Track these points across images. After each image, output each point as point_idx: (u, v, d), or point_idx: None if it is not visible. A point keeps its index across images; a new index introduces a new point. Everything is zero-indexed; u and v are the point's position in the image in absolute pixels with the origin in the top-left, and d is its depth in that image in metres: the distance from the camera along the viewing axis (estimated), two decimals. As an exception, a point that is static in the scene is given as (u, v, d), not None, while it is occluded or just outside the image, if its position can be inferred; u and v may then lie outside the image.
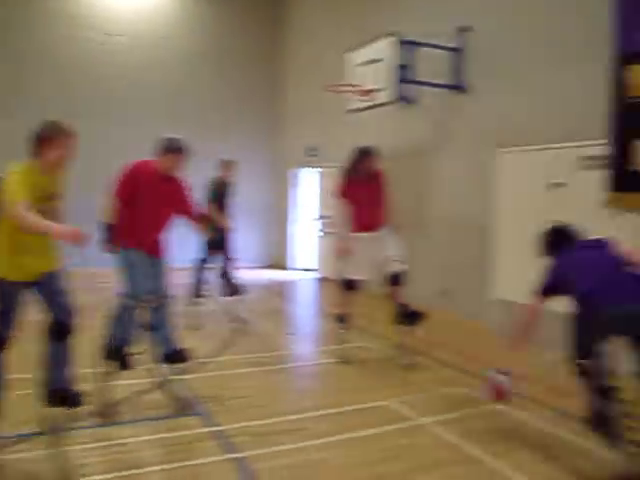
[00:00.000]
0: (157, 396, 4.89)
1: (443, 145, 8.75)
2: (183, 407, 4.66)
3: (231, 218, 8.12)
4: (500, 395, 4.28)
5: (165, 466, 3.65)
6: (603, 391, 3.50)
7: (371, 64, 8.71)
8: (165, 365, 4.94)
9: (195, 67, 13.95)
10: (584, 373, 3.59)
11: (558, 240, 4.16)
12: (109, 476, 3.48)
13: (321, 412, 4.66)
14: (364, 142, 10.59)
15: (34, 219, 3.59)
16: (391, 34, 8.27)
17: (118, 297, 4.75)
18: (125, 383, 4.87)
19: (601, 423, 3.51)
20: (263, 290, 10.83)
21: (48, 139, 3.86)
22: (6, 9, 12.25)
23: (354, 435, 4.22)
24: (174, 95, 13.64)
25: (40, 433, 3.96)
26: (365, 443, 4.10)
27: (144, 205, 4.70)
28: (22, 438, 3.90)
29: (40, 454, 3.71)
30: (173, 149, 4.83)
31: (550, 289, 3.98)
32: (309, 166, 13.27)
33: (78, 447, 3.83)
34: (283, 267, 14.13)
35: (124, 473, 3.53)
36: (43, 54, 12.55)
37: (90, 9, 12.99)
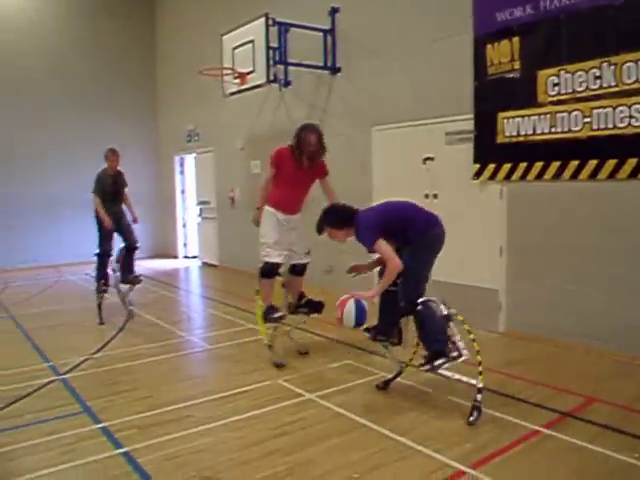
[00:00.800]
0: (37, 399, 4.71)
1: (320, 125, 8.85)
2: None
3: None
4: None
5: (52, 469, 3.55)
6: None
7: (245, 46, 8.66)
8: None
9: (68, 59, 13.24)
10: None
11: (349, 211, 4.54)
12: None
13: (207, 398, 4.67)
14: (242, 125, 10.68)
15: None
16: (264, 15, 8.24)
17: None
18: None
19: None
20: (150, 280, 10.59)
21: None
22: None
23: (241, 417, 4.26)
24: (41, 84, 12.89)
25: None
26: (252, 423, 4.16)
27: None
28: None
29: None
30: None
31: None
32: (191, 152, 13.08)
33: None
34: (174, 256, 13.90)
35: None
36: None
37: None
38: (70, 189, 12.34)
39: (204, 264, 12.67)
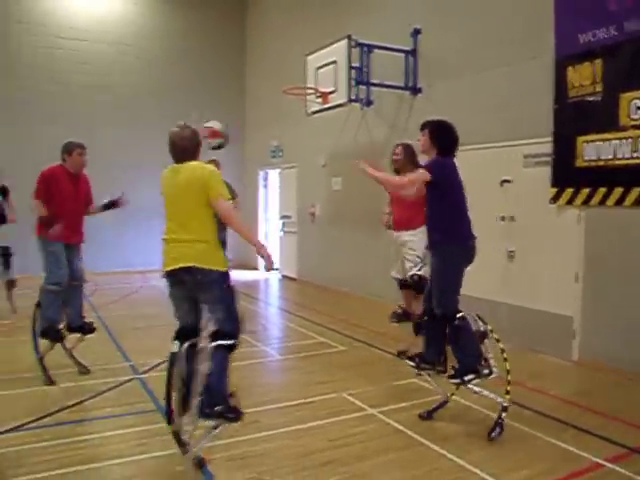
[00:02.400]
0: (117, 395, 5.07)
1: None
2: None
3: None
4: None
5: (127, 459, 3.88)
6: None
7: (328, 66, 8.92)
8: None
9: (160, 71, 14.12)
10: None
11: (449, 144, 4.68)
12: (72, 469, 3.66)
13: (273, 406, 4.88)
14: (325, 143, 10.94)
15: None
16: (347, 37, 8.47)
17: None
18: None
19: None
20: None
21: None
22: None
23: (303, 426, 4.43)
24: (138, 100, 13.77)
25: None
26: (313, 433, 4.31)
27: None
28: None
29: None
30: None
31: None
32: (275, 167, 13.49)
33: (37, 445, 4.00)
34: (254, 267, 14.30)
35: (80, 468, 3.71)
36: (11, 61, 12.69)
37: (48, 17, 13.12)
38: (159, 200, 13.02)
39: (284, 277, 12.97)
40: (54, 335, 5.52)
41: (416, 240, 5.81)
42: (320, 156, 11.15)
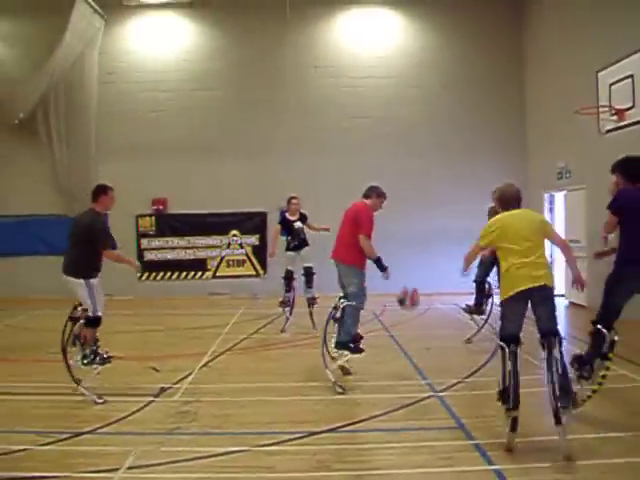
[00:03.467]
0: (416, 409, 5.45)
1: None
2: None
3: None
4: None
5: (426, 470, 4.17)
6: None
7: (623, 81, 8.43)
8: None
9: (434, 98, 14.76)
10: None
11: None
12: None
13: (576, 436, 4.68)
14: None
15: None
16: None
17: None
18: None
19: None
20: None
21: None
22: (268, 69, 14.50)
23: (613, 461, 4.22)
24: (415, 128, 14.56)
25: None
26: (627, 470, 4.09)
27: None
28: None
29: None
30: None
31: None
32: (561, 189, 12.98)
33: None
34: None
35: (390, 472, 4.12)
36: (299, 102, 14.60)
37: (336, 59, 14.74)
38: (442, 224, 13.57)
39: (571, 304, 12.32)
40: (357, 350, 6.27)
41: None
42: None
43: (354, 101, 14.65)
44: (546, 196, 13.78)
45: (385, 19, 14.94)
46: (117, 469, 4.16)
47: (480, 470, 4.12)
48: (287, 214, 9.66)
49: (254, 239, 14.93)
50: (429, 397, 5.85)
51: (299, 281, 9.70)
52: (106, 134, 14.16)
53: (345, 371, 6.65)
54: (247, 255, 14.93)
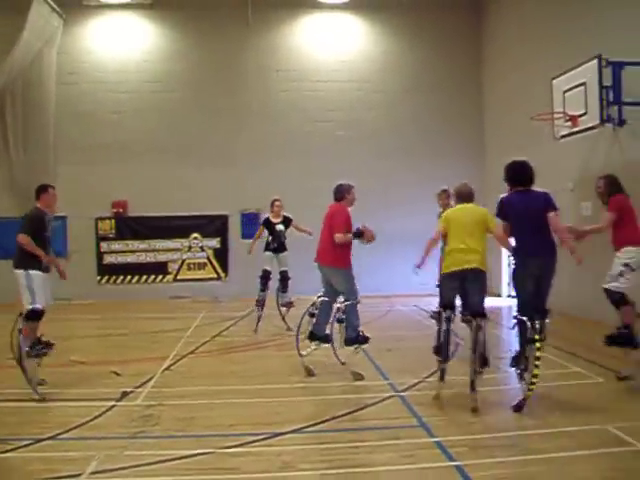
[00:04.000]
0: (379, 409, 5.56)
1: (661, 164, 8.40)
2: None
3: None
4: None
5: (392, 467, 4.25)
6: None
7: (577, 88, 8.71)
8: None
9: (397, 102, 15.03)
10: None
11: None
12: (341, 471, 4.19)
13: (532, 431, 4.87)
14: (573, 166, 10.57)
15: None
16: (597, 57, 8.21)
17: None
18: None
19: None
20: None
21: None
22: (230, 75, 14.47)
23: (570, 454, 4.37)
24: (378, 131, 14.75)
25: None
26: (580, 462, 4.25)
27: None
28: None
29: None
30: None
31: None
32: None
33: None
34: (497, 294, 14.15)
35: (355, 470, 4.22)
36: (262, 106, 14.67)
37: (298, 63, 14.82)
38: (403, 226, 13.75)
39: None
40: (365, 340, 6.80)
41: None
42: (568, 180, 10.78)
43: (317, 105, 14.76)
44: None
45: (347, 23, 15.12)
46: (79, 474, 4.11)
47: (442, 466, 4.22)
48: (270, 216, 9.83)
49: (215, 242, 14.88)
50: (391, 397, 5.95)
51: (274, 285, 9.88)
52: (66, 135, 13.88)
53: (309, 372, 6.84)
54: (208, 258, 14.86)
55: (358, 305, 6.83)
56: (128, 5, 14.58)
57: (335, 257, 6.74)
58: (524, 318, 5.45)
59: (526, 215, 5.64)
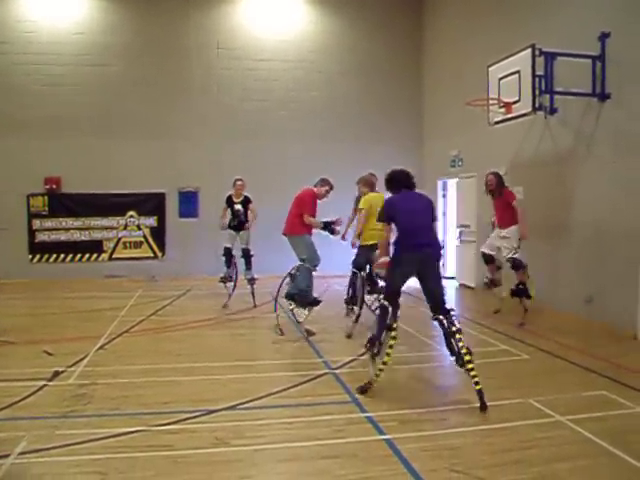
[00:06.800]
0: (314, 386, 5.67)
1: (586, 153, 8.75)
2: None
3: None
4: None
5: (326, 442, 4.37)
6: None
7: (511, 76, 8.94)
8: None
9: (336, 83, 15.06)
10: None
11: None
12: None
13: (459, 406, 5.11)
14: (506, 152, 10.91)
15: None
16: (530, 46, 8.44)
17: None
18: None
19: None
20: (409, 296, 11.29)
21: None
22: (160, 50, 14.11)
23: (491, 427, 4.64)
24: (318, 111, 14.81)
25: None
26: (502, 434, 4.50)
27: None
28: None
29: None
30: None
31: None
32: (453, 176, 13.63)
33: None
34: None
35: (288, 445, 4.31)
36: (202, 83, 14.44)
37: (239, 41, 14.63)
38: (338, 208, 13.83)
39: (461, 285, 13.04)
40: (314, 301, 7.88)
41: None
42: (501, 165, 11.10)
43: (258, 84, 14.60)
44: (440, 183, 14.43)
45: (289, 2, 14.93)
46: (7, 455, 4.05)
47: (372, 440, 4.37)
48: (232, 195, 10.16)
49: (152, 220, 14.59)
50: (325, 374, 6.07)
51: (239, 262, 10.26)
52: (-3, 107, 13.36)
53: (309, 333, 7.77)
54: (145, 237, 14.58)
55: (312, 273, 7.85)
56: (62, -27, 13.98)
57: (298, 227, 7.86)
58: (386, 303, 5.46)
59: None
